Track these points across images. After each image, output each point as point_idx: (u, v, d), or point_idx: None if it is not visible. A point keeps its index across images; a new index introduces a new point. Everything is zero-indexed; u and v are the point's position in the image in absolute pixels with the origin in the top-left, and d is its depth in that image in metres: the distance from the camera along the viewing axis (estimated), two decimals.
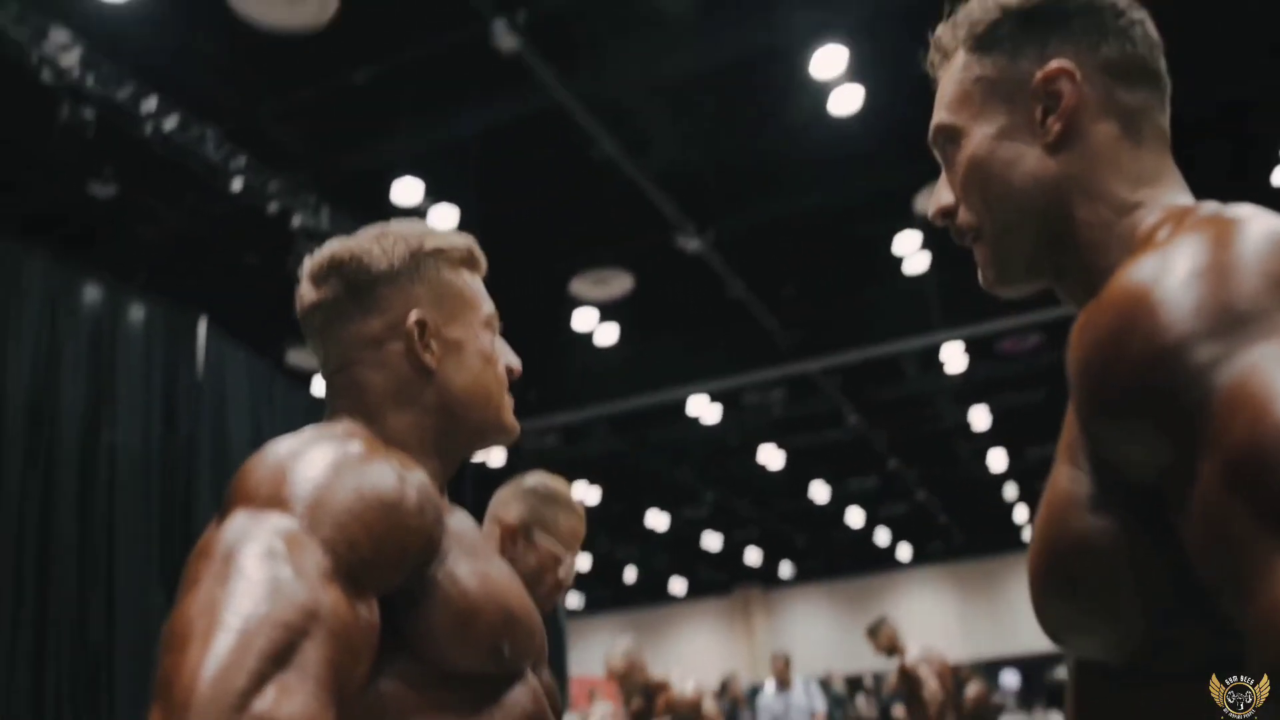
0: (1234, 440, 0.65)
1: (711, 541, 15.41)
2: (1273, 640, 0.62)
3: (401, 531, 0.98)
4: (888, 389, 9.75)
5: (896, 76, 5.13)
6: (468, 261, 1.24)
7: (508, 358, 1.26)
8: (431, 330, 1.17)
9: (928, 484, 13.27)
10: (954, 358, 8.79)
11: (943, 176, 1.01)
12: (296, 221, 5.44)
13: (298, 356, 7.28)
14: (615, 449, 10.24)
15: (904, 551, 17.63)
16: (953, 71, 0.99)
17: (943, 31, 1.01)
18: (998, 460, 12.51)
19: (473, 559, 1.11)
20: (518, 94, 4.95)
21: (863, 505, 14.34)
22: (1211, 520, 0.67)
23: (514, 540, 1.92)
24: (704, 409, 9.59)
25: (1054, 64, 0.91)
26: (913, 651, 6.44)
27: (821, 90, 5.09)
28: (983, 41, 0.96)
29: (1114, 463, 0.77)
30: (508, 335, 1.26)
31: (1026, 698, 13.41)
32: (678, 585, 18.37)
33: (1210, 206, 0.83)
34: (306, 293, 1.20)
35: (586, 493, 11.52)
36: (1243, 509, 0.64)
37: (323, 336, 1.20)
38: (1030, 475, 13.60)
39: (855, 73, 4.97)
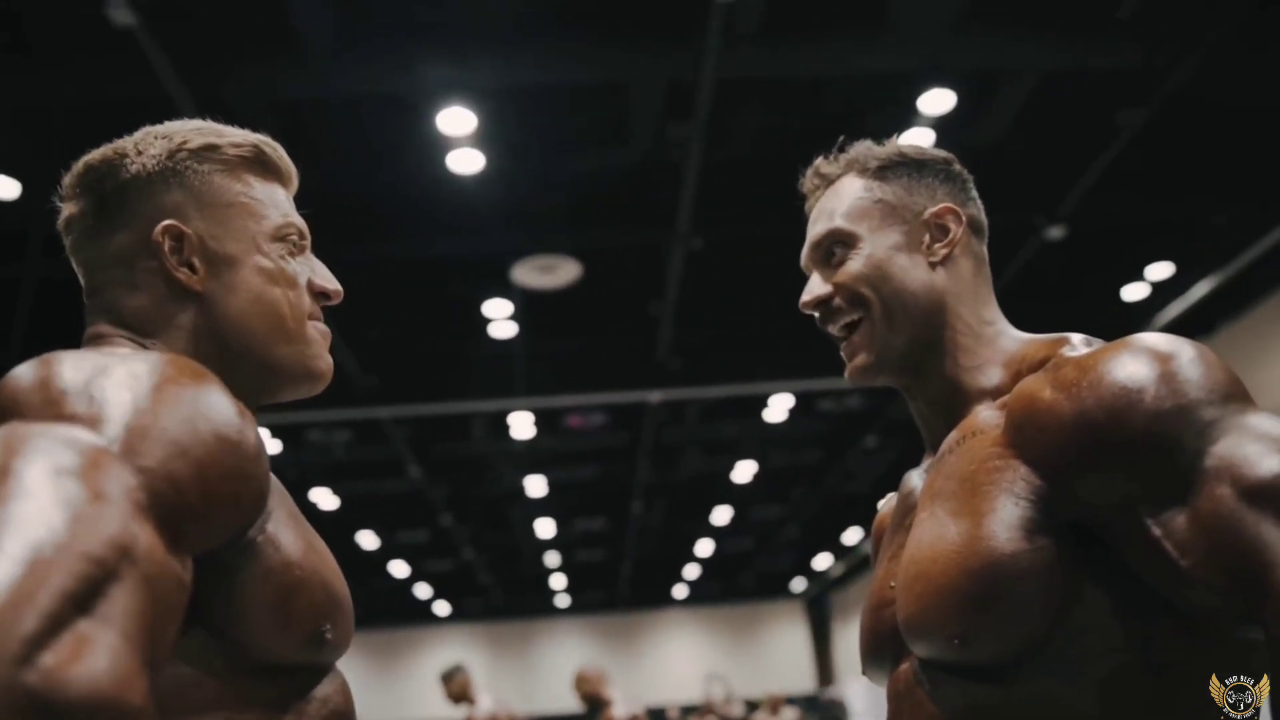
0: (1257, 471, 0.87)
1: None
2: None
3: (238, 480, 0.80)
4: (454, 446, 9.90)
5: (517, 154, 5.38)
6: (253, 163, 1.04)
7: (317, 279, 1.09)
8: (193, 243, 0.98)
9: (476, 543, 13.52)
10: (522, 425, 9.14)
11: (815, 276, 1.21)
12: None
13: None
14: None
15: (442, 607, 17.74)
16: (846, 191, 1.22)
17: (823, 164, 1.25)
18: (545, 528, 13.07)
19: (295, 524, 0.95)
20: (121, 73, 4.56)
21: (408, 558, 14.29)
22: (1227, 532, 0.87)
23: None
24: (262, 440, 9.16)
25: (946, 205, 1.20)
26: (484, 702, 6.71)
27: (444, 146, 5.20)
28: (882, 173, 1.21)
29: (1079, 496, 0.96)
30: None
31: None
32: None
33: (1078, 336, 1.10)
34: (64, 208, 1.02)
35: None
36: (1266, 520, 0.85)
37: (75, 259, 1.02)
38: (572, 546, 14.33)
39: (479, 139, 5.14)
